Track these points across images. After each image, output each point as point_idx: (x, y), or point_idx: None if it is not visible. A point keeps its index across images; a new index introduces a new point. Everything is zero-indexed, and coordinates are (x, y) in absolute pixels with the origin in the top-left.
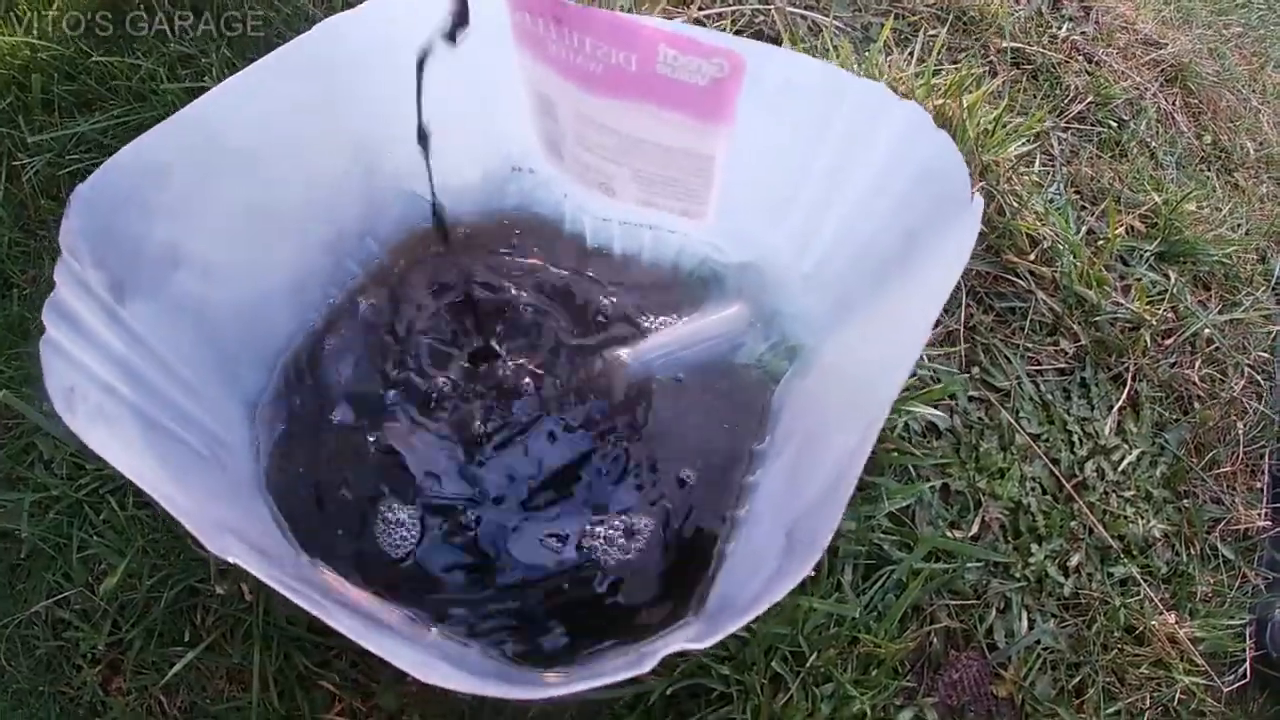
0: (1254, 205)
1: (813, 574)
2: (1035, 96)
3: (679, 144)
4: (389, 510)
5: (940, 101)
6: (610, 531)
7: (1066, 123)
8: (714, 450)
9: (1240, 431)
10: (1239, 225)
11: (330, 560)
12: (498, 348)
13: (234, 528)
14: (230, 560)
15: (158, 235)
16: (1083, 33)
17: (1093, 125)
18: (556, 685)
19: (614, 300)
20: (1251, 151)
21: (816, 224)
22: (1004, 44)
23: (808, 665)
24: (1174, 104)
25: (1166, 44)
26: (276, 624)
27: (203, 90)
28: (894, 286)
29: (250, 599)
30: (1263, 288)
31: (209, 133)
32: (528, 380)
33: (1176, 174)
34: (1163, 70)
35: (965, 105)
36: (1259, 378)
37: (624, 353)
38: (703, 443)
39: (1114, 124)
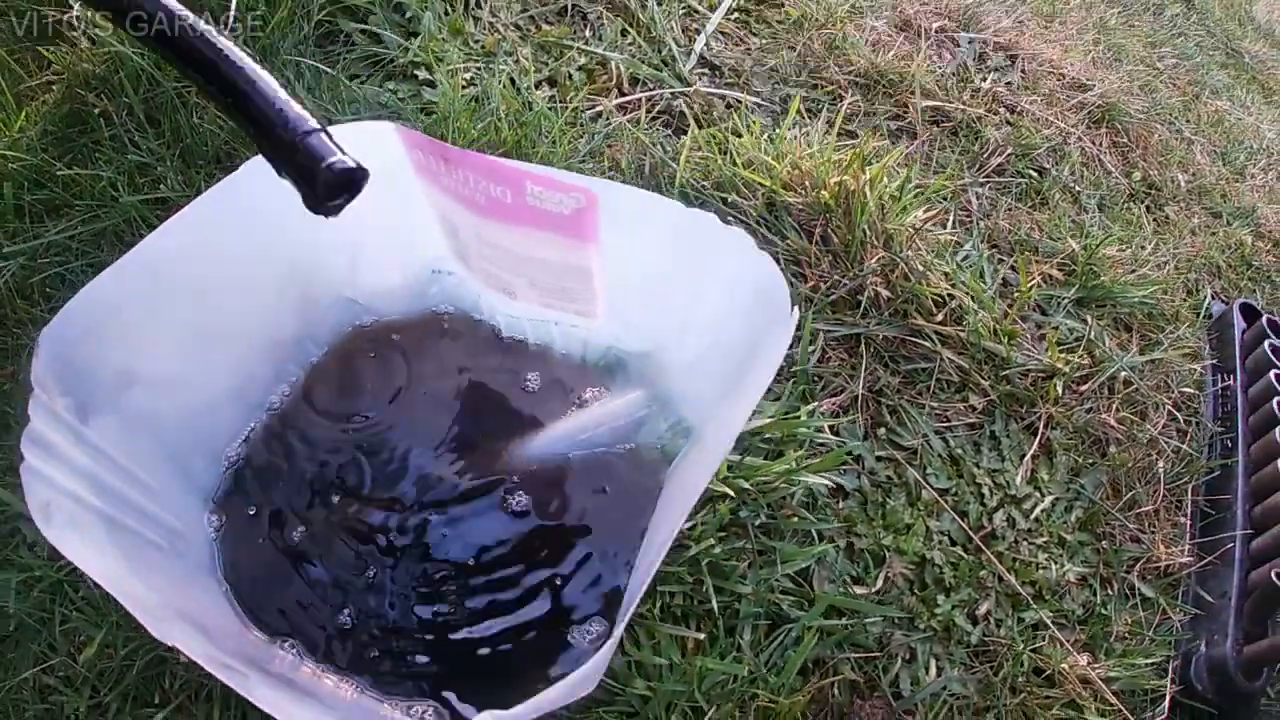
0: (1184, 238)
1: (705, 636)
2: (953, 154)
3: (557, 259)
4: (329, 590)
5: (839, 178)
6: (519, 606)
7: (985, 177)
8: (614, 528)
9: (1161, 470)
10: (1165, 262)
11: (280, 633)
12: (426, 436)
13: (187, 611)
14: (170, 644)
15: (113, 361)
16: (1007, 83)
17: (1012, 177)
18: None
19: (531, 385)
20: (1183, 184)
21: (687, 324)
22: (923, 104)
23: (706, 718)
24: (1100, 145)
25: (1094, 85)
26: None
27: (159, 200)
28: (746, 383)
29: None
30: (1188, 323)
31: (152, 271)
32: (450, 464)
33: (1099, 216)
34: (1089, 112)
35: (868, 177)
36: (1180, 415)
37: (536, 437)
38: (605, 521)
39: (1035, 173)
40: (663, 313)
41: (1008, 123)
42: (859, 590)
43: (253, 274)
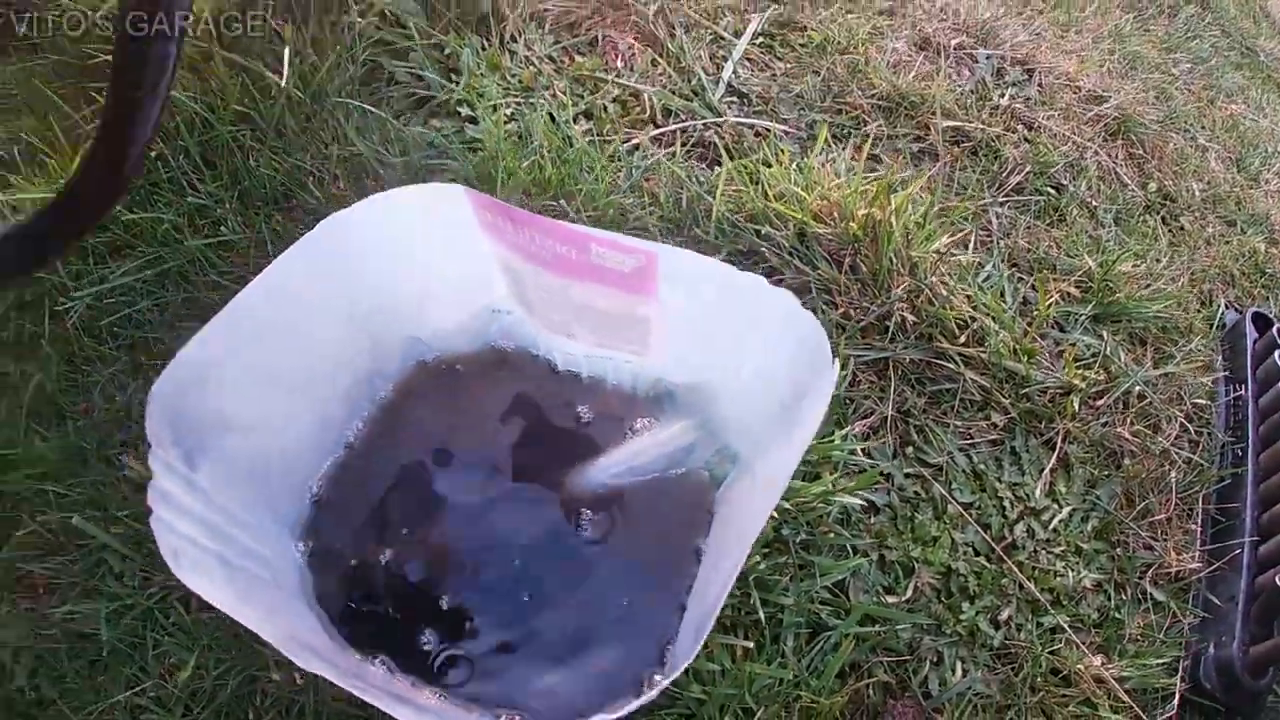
0: (1199, 248)
1: (753, 644)
2: (974, 174)
3: (617, 309)
4: (411, 612)
5: (866, 210)
6: (587, 621)
7: (1005, 196)
8: (670, 548)
9: (1173, 480)
10: (1179, 275)
11: (370, 652)
12: (490, 464)
13: (295, 635)
14: (314, 673)
15: (211, 411)
16: (1025, 98)
17: (1031, 195)
18: None
19: (586, 416)
20: (1198, 193)
21: (735, 364)
22: (944, 124)
23: (756, 718)
24: (1116, 158)
25: (1109, 97)
26: (324, 702)
27: (222, 243)
28: (795, 428)
29: (301, 683)
30: (1202, 334)
31: (244, 325)
32: (514, 491)
33: (1115, 231)
34: (1105, 125)
35: (893, 206)
36: (1192, 426)
37: (593, 464)
38: (661, 541)
39: (1052, 190)
40: (711, 354)
41: (1026, 140)
42: (890, 599)
43: (329, 322)
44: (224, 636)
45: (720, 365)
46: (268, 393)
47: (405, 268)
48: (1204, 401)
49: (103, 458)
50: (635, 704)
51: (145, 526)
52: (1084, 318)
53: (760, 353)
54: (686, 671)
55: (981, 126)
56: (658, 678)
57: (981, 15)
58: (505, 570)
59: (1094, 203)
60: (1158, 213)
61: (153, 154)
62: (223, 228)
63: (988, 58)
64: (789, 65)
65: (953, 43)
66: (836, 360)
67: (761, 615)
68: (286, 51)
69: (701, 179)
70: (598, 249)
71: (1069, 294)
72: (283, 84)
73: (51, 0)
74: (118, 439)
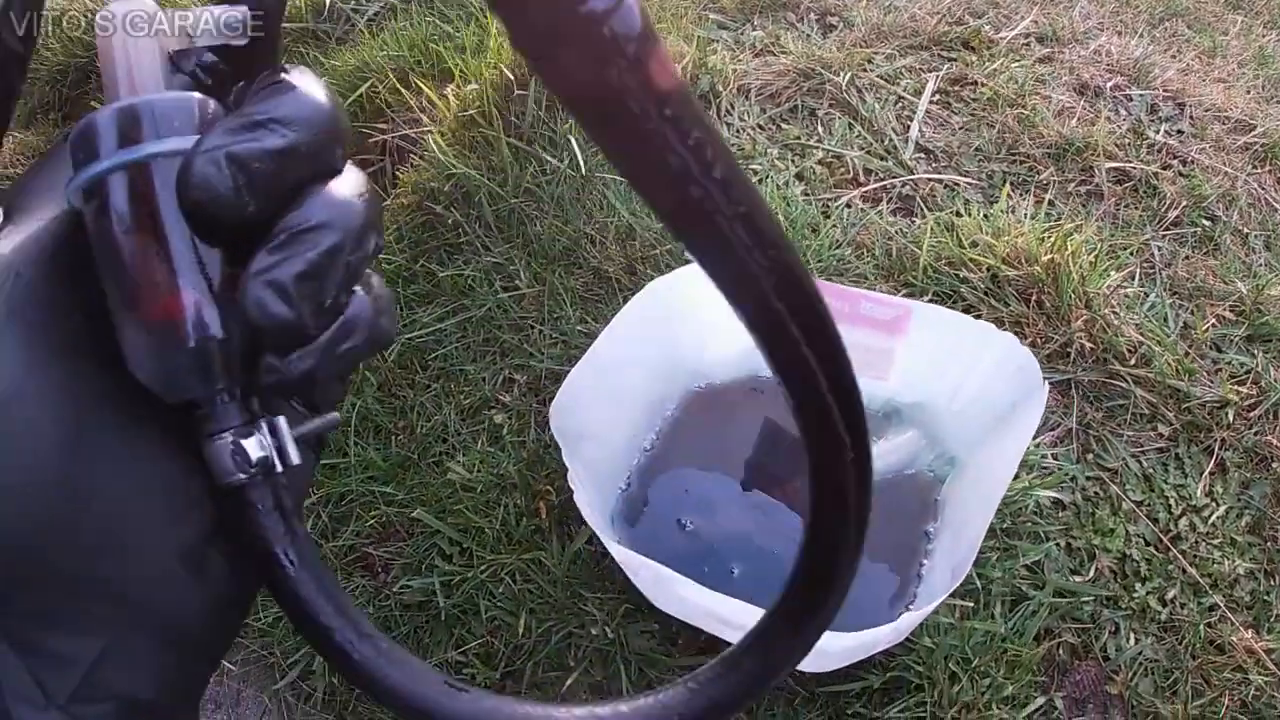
0: None
1: (972, 605)
2: (1136, 210)
3: (873, 344)
4: (693, 573)
5: (1049, 256)
6: None
7: (1164, 229)
8: (903, 531)
9: None
10: None
11: None
12: (749, 467)
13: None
14: (668, 611)
15: (578, 423)
16: (1178, 131)
17: (1188, 227)
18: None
19: None
20: None
21: (959, 386)
22: (1106, 165)
23: (972, 665)
24: (1265, 184)
25: (1256, 124)
26: (634, 650)
27: (518, 296)
28: (1007, 430)
29: (613, 636)
30: None
31: (595, 365)
32: (772, 487)
33: (1266, 255)
34: (1254, 153)
35: (1069, 250)
36: None
37: None
38: (896, 525)
39: (1208, 220)
40: (938, 381)
41: (1181, 174)
42: (1076, 578)
43: (645, 357)
44: (546, 603)
45: (943, 390)
46: (606, 411)
47: (693, 318)
48: None
49: (428, 464)
50: (900, 622)
51: (475, 517)
52: (1238, 339)
53: (981, 379)
54: (920, 626)
55: (1141, 165)
56: (911, 609)
57: (1133, 54)
58: (767, 545)
59: (1245, 229)
60: None
61: (448, 220)
62: (516, 281)
63: (1141, 96)
64: (965, 119)
65: (1109, 84)
66: (1046, 382)
67: (978, 584)
68: (573, 140)
69: (904, 230)
70: (866, 304)
71: (1224, 317)
72: (574, 170)
73: None
74: (437, 450)
